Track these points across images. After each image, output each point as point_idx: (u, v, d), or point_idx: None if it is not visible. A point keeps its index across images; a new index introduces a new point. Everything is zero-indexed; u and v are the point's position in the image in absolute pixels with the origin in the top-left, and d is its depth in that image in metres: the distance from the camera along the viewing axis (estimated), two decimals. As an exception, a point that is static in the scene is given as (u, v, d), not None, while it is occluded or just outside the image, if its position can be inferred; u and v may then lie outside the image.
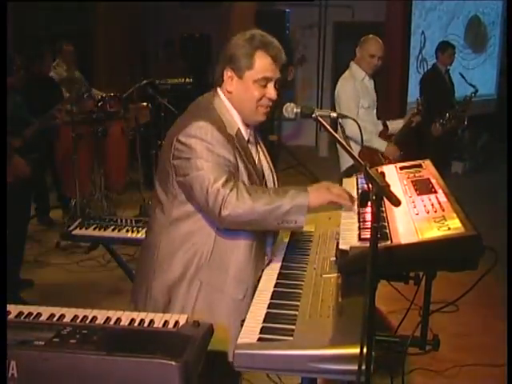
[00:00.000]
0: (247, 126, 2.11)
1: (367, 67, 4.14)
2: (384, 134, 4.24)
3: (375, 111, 4.29)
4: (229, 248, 2.01)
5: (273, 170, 2.25)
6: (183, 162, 1.92)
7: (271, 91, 2.04)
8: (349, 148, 1.91)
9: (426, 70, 6.71)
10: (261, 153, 2.22)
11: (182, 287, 1.99)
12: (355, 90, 4.10)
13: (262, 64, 2.01)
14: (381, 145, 4.12)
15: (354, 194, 2.29)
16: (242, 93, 2.03)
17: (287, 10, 7.91)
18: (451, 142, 6.71)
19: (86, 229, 3.24)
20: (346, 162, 4.09)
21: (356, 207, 2.01)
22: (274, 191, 1.95)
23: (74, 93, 4.72)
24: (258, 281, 2.02)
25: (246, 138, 2.09)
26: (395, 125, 4.33)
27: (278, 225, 1.92)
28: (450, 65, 6.25)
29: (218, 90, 2.08)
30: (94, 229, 3.22)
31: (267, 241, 2.17)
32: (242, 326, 1.69)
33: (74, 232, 3.24)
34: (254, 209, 1.86)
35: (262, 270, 2.09)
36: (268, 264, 2.15)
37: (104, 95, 5.64)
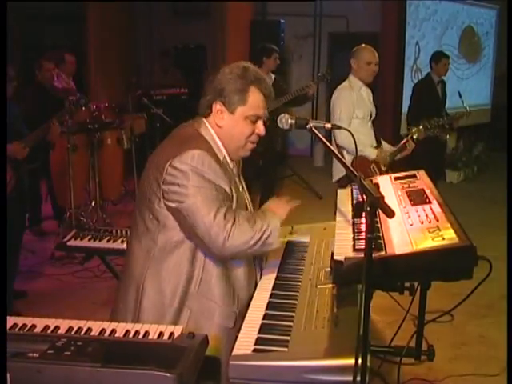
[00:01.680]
0: (231, 158, 2.08)
1: (365, 75, 4.16)
2: (377, 149, 4.24)
3: (370, 123, 4.30)
4: (218, 277, 1.97)
5: (250, 204, 2.23)
6: (177, 188, 1.87)
7: (261, 127, 2.02)
8: (343, 159, 1.92)
9: (443, 81, 6.72)
10: (242, 185, 2.19)
11: (170, 314, 1.94)
12: (351, 100, 4.13)
13: (256, 100, 1.99)
14: (371, 152, 4.12)
15: (349, 205, 2.31)
16: (232, 128, 2.00)
17: (282, 21, 7.94)
18: (440, 151, 6.75)
19: (81, 239, 3.23)
20: (339, 171, 4.11)
21: (351, 218, 2.01)
22: (251, 216, 1.96)
23: (72, 105, 4.71)
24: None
25: (231, 168, 2.07)
26: (387, 148, 4.32)
27: (260, 248, 1.93)
28: (445, 75, 6.28)
29: (205, 120, 2.04)
30: (89, 239, 3.22)
31: (256, 260, 2.16)
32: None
33: (68, 243, 3.24)
34: (252, 234, 1.88)
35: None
36: (262, 275, 2.14)
37: (99, 105, 5.65)
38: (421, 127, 4.24)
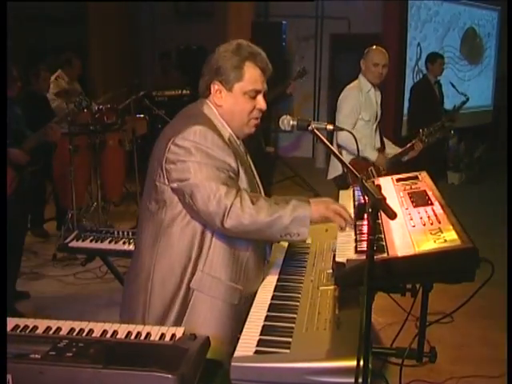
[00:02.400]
0: (237, 137, 2.08)
1: (372, 77, 4.15)
2: (381, 151, 4.23)
3: (375, 126, 4.28)
4: (225, 256, 1.97)
5: (258, 181, 2.21)
6: (179, 166, 1.86)
7: (261, 102, 2.01)
8: (344, 160, 1.92)
9: (439, 81, 6.75)
10: (251, 165, 2.18)
11: (179, 297, 1.95)
12: (358, 101, 4.12)
13: (252, 75, 1.98)
14: (372, 154, 4.12)
15: (351, 207, 2.31)
16: (232, 105, 1.99)
17: (283, 22, 7.96)
18: (442, 152, 6.75)
19: (83, 241, 3.24)
20: (335, 170, 4.13)
21: (351, 222, 2.00)
22: (275, 201, 1.90)
23: (74, 106, 4.72)
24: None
25: (238, 144, 2.06)
26: (392, 150, 4.33)
27: (280, 237, 1.90)
28: (440, 75, 6.34)
29: (206, 100, 2.03)
30: (91, 241, 3.23)
31: (266, 246, 2.15)
32: (238, 338, 1.69)
33: (70, 244, 3.25)
34: (257, 220, 1.83)
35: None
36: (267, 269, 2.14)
37: (101, 107, 5.66)
38: (423, 137, 4.24)
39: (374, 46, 4.22)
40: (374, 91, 4.23)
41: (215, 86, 1.99)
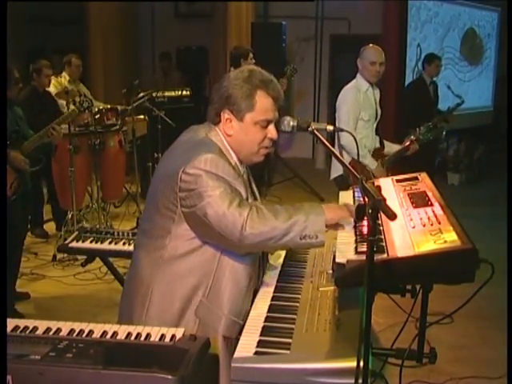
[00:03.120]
0: (241, 163, 2.05)
1: (369, 75, 4.14)
2: (378, 152, 4.24)
3: (375, 125, 4.29)
4: (228, 284, 1.93)
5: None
6: (192, 193, 1.83)
7: (273, 132, 1.98)
8: (344, 161, 1.92)
9: (435, 82, 6.76)
10: (254, 192, 2.16)
11: (176, 323, 1.90)
12: (356, 101, 4.11)
13: (264, 105, 1.94)
14: (371, 163, 4.12)
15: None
16: (242, 135, 1.96)
17: (283, 23, 7.94)
18: (434, 152, 6.78)
19: (83, 241, 3.24)
20: (336, 170, 4.14)
21: (352, 221, 2.00)
22: (290, 207, 1.89)
23: (76, 107, 4.72)
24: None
25: (242, 172, 2.03)
26: (390, 148, 4.34)
27: (300, 240, 1.84)
28: (436, 76, 6.36)
29: (215, 127, 2.00)
30: (91, 241, 3.23)
31: (259, 273, 2.12)
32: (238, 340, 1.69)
33: (70, 245, 3.25)
34: (276, 225, 1.80)
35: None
36: (263, 278, 2.12)
37: (101, 107, 5.67)
38: (412, 137, 4.27)
39: (371, 45, 4.22)
40: (372, 90, 4.22)
41: (225, 115, 1.96)
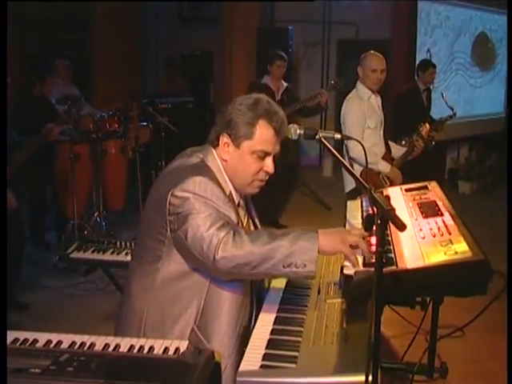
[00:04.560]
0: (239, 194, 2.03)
1: (371, 83, 4.16)
2: (386, 157, 4.26)
3: (382, 131, 4.30)
4: (214, 313, 1.92)
5: None
6: (178, 216, 1.83)
7: (269, 165, 1.95)
8: (353, 170, 1.92)
9: (432, 88, 6.77)
10: (250, 219, 2.14)
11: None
12: (361, 111, 4.13)
13: (264, 135, 1.92)
14: (384, 167, 4.14)
15: (359, 217, 2.30)
16: (237, 163, 1.95)
17: (290, 28, 7.97)
18: (443, 159, 6.78)
19: (84, 251, 3.24)
20: (350, 183, 4.11)
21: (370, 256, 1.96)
22: (276, 230, 1.84)
23: (70, 113, 4.76)
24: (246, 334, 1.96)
25: (236, 202, 2.02)
26: (397, 150, 4.37)
27: (284, 268, 1.75)
28: (431, 84, 6.37)
29: (213, 150, 1.99)
30: (93, 251, 3.23)
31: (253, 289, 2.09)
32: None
33: (71, 255, 3.25)
34: (253, 249, 1.74)
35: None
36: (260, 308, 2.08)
37: (103, 114, 5.68)
38: (403, 143, 4.30)
39: (371, 51, 4.24)
40: (374, 97, 4.24)
41: (224, 139, 1.95)
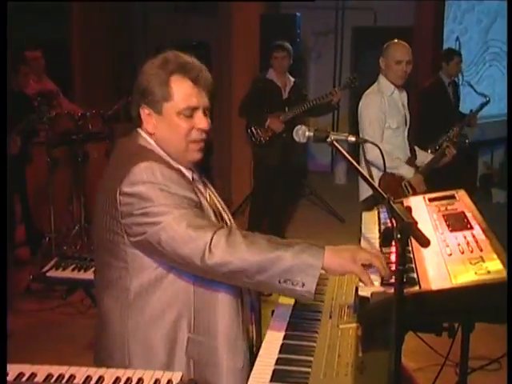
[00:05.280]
0: (185, 166, 2.01)
1: (395, 77, 4.17)
2: (411, 163, 4.26)
3: (406, 132, 4.31)
4: (212, 309, 1.93)
5: (226, 209, 2.15)
6: (137, 218, 1.80)
7: (201, 121, 1.94)
8: (368, 177, 1.93)
9: (461, 82, 6.78)
10: (210, 190, 2.13)
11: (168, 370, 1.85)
12: (381, 108, 4.14)
13: (182, 90, 1.92)
14: (407, 172, 4.15)
15: (376, 231, 2.31)
16: (165, 131, 1.94)
17: (297, 14, 7.97)
18: (474, 164, 6.78)
19: (63, 269, 3.26)
20: (366, 190, 4.11)
21: (378, 246, 2.00)
22: (277, 239, 1.82)
23: (41, 111, 4.79)
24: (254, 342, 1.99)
25: (190, 178, 2.00)
26: (424, 157, 4.37)
27: (279, 284, 1.74)
28: (456, 76, 6.37)
29: (139, 130, 1.99)
30: (73, 269, 3.25)
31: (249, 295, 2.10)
32: None
33: (48, 273, 3.27)
34: (247, 257, 1.73)
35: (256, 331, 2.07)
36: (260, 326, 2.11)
37: (85, 112, 5.70)
38: (429, 151, 4.30)
39: (395, 40, 4.26)
40: (398, 93, 4.26)
41: (144, 111, 1.95)
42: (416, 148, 4.39)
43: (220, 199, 2.16)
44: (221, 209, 2.11)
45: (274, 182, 6.00)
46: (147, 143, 1.96)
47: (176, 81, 1.91)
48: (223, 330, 1.94)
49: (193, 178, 2.02)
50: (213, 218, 1.94)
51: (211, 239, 1.73)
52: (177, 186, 1.84)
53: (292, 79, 6.09)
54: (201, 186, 2.06)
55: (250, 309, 2.08)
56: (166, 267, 1.88)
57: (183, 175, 1.93)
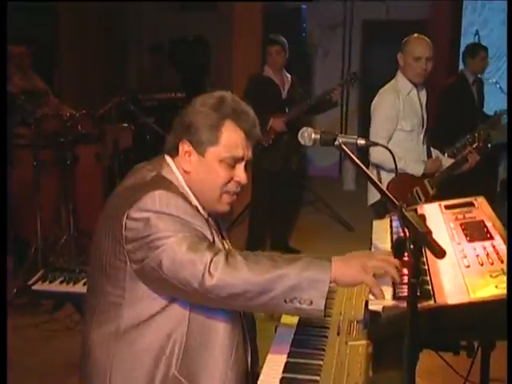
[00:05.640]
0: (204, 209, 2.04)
1: (414, 74, 4.17)
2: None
3: (422, 135, 4.29)
4: (202, 355, 1.93)
5: None
6: (141, 243, 1.82)
7: (241, 174, 1.99)
8: (379, 183, 1.94)
9: (481, 79, 6.78)
10: (223, 239, 2.14)
11: None
12: (394, 108, 4.14)
13: (232, 138, 1.95)
14: (416, 169, 4.13)
15: (388, 241, 2.31)
16: (202, 174, 1.97)
17: (303, 7, 7.99)
18: (494, 169, 6.77)
19: (50, 282, 3.27)
20: (374, 194, 4.11)
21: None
22: (279, 256, 1.82)
23: (24, 111, 4.80)
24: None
25: (205, 218, 2.02)
26: (444, 161, 4.33)
27: (285, 304, 1.75)
28: (482, 72, 6.34)
29: (169, 160, 2.02)
30: (61, 282, 3.25)
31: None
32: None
33: (34, 286, 3.27)
34: (250, 277, 1.74)
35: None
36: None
37: (74, 112, 5.71)
38: (446, 155, 4.28)
39: (415, 35, 4.25)
40: (416, 92, 4.25)
41: (184, 147, 1.98)
42: (434, 151, 4.38)
43: (229, 244, 2.18)
44: None
45: (274, 188, 6.00)
46: (171, 175, 1.98)
47: (229, 127, 1.95)
48: (208, 375, 1.94)
49: (207, 220, 2.03)
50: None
51: (210, 261, 1.75)
52: (189, 217, 1.86)
53: (289, 76, 6.06)
54: (216, 235, 2.06)
55: (244, 340, 2.08)
56: (162, 302, 1.90)
57: (199, 212, 1.96)
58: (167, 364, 1.92)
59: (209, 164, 1.96)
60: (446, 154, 4.44)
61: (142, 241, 1.82)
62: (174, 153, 2.01)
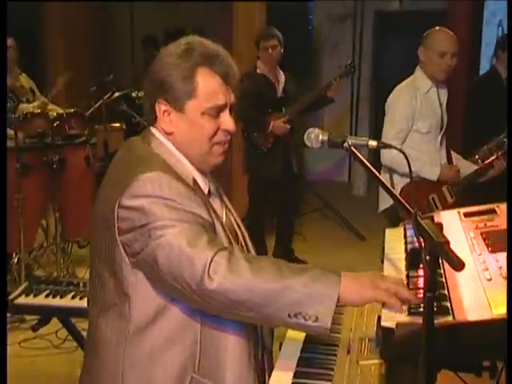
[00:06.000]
0: (203, 172, 2.04)
1: (437, 71, 4.15)
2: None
3: (440, 137, 4.27)
4: (221, 351, 1.93)
5: (243, 230, 2.18)
6: (136, 234, 1.81)
7: (228, 121, 1.97)
8: (391, 188, 1.94)
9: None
10: (227, 208, 2.15)
11: None
12: (411, 106, 4.13)
13: (210, 86, 1.93)
14: (432, 173, 4.11)
15: (402, 251, 2.31)
16: (186, 132, 1.96)
17: (311, -4, 8.02)
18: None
19: (35, 296, 3.27)
20: (386, 200, 4.11)
21: (404, 269, 2.01)
22: (286, 264, 1.81)
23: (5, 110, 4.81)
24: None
25: (206, 190, 2.03)
26: (464, 167, 4.28)
27: (289, 318, 1.75)
28: None
29: (152, 129, 2.01)
30: (46, 296, 3.26)
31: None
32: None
33: (16, 300, 3.27)
34: (253, 285, 1.73)
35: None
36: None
37: (61, 112, 5.71)
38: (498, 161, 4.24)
39: (437, 28, 4.23)
40: (436, 90, 4.23)
41: (161, 107, 1.96)
42: (455, 155, 4.36)
43: (236, 216, 2.18)
44: (237, 229, 2.14)
45: (274, 196, 5.99)
46: (161, 147, 1.98)
47: (202, 76, 1.92)
48: (232, 379, 1.94)
49: (209, 190, 2.04)
50: (224, 243, 1.93)
51: (211, 262, 1.73)
52: (185, 200, 1.84)
53: (282, 73, 6.04)
54: (217, 200, 2.09)
55: (261, 349, 2.09)
56: (168, 298, 1.89)
57: (195, 189, 1.94)
58: (185, 367, 1.91)
59: (191, 119, 1.94)
60: (476, 156, 4.37)
61: (137, 231, 1.81)
62: (152, 118, 2.00)
